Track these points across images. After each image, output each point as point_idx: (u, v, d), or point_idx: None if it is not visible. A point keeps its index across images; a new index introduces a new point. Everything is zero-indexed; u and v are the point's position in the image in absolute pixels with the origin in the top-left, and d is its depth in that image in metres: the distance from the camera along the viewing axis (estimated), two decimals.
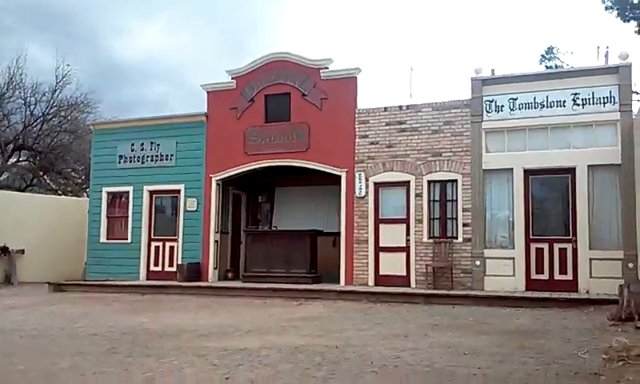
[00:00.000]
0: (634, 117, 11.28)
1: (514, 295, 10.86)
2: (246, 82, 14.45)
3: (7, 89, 22.62)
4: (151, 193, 15.34)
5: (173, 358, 6.04)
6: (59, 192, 24.42)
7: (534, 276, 11.55)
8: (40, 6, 37.93)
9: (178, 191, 14.98)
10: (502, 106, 12.17)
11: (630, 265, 10.68)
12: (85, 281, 14.98)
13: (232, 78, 14.68)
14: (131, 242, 15.23)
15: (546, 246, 11.56)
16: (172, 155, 15.13)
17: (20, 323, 8.84)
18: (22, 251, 15.75)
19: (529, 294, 10.90)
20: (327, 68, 13.78)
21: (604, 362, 5.38)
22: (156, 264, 15.08)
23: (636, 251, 10.66)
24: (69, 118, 23.79)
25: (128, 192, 15.45)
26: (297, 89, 13.94)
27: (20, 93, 22.89)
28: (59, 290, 13.94)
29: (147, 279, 14.84)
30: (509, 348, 6.37)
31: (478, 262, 11.87)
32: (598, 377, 4.85)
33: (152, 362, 5.87)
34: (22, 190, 22.63)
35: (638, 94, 14.59)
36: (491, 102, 12.27)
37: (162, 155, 15.25)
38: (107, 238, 15.57)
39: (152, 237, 15.27)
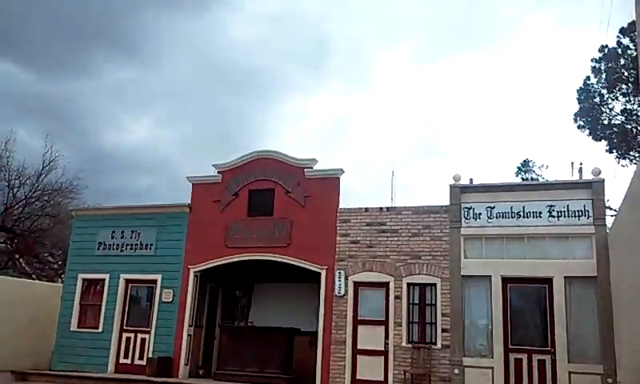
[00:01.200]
0: (607, 231, 11.57)
1: None
2: (231, 176, 14.70)
3: None
4: (127, 281, 15.06)
5: None
6: (34, 276, 23.85)
7: None
8: (30, 93, 38.98)
9: (155, 281, 14.72)
10: (480, 213, 12.44)
11: (609, 380, 10.51)
12: (50, 370, 14.29)
13: (218, 172, 14.92)
14: (102, 332, 14.73)
15: (524, 357, 11.39)
16: (152, 244, 15.02)
17: None
18: None
19: None
20: (311, 167, 14.12)
21: None
22: (126, 356, 14.50)
23: (614, 365, 10.55)
24: (52, 202, 23.73)
25: (104, 280, 15.13)
26: (281, 186, 14.18)
27: (4, 175, 22.93)
28: (22, 380, 13.29)
29: (115, 372, 14.22)
30: None
31: (456, 371, 11.61)
32: None
33: None
34: None
35: (610, 209, 15.01)
36: (469, 209, 12.54)
37: (141, 244, 15.13)
38: (78, 326, 15.05)
39: (124, 327, 14.79)
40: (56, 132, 38.48)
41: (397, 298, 12.52)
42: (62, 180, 23.81)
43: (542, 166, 25.85)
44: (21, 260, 24.19)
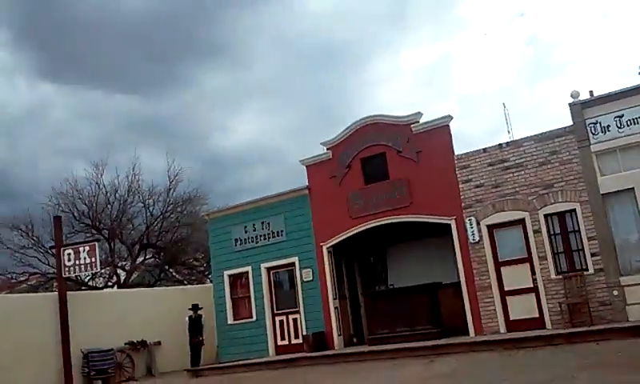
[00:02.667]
0: None
1: None
2: (340, 150, 14.89)
3: (128, 195, 24.75)
4: (268, 269, 15.90)
5: None
6: (185, 282, 25.92)
7: None
8: (142, 118, 41.71)
9: (293, 264, 15.43)
10: (608, 125, 11.64)
11: None
12: (219, 363, 15.59)
13: (327, 149, 15.19)
14: (257, 320, 15.75)
15: None
16: (282, 231, 15.70)
17: None
18: (159, 343, 16.72)
19: None
20: (418, 122, 13.92)
21: None
22: (282, 338, 15.43)
23: None
24: (185, 212, 25.49)
25: (247, 272, 16.11)
26: (391, 147, 14.14)
27: (139, 197, 24.97)
28: (198, 375, 14.59)
29: (276, 353, 15.19)
30: None
31: (615, 292, 11.11)
32: None
33: None
34: (152, 285, 24.27)
35: None
36: (595, 123, 11.78)
37: (273, 232, 15.86)
38: (234, 319, 16.20)
39: (275, 311, 15.71)
40: (172, 148, 41.04)
41: (536, 232, 12.12)
42: (189, 189, 25.50)
43: None
44: (170, 269, 26.32)
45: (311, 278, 15.08)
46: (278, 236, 15.77)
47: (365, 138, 14.58)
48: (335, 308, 14.77)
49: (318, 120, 49.37)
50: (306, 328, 14.89)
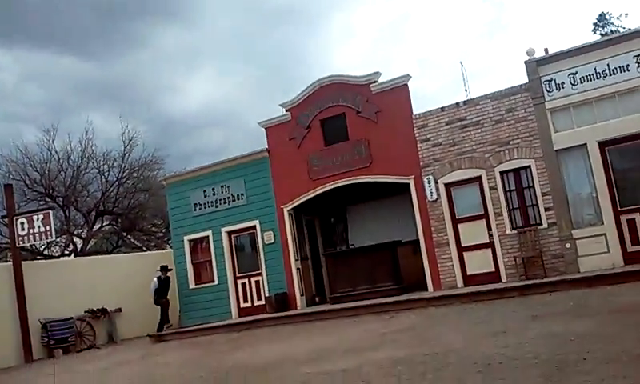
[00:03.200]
0: None
1: (612, 272, 10.40)
2: (299, 111, 14.75)
3: (82, 161, 24.06)
4: (229, 233, 15.82)
5: None
6: (143, 248, 25.60)
7: (630, 248, 11.01)
8: (94, 80, 40.36)
9: (254, 227, 15.38)
10: (563, 82, 11.82)
11: None
12: (182, 328, 15.57)
13: (286, 111, 15.02)
14: (218, 284, 15.73)
15: (637, 216, 11.03)
16: (242, 194, 15.58)
17: (131, 378, 9.30)
18: (119, 310, 16.56)
19: (629, 268, 10.41)
20: (376, 81, 13.87)
21: None
22: (245, 300, 15.50)
23: None
24: (141, 177, 24.99)
25: (208, 236, 16.01)
26: (350, 108, 14.08)
27: (93, 163, 24.33)
28: (160, 341, 14.54)
29: (239, 316, 15.26)
30: (617, 327, 6.14)
31: (568, 245, 11.48)
32: None
33: None
34: (110, 253, 23.89)
35: None
36: (550, 80, 11.95)
37: (233, 196, 15.74)
38: (195, 284, 16.15)
39: (237, 275, 15.71)
40: (126, 111, 40.03)
41: (492, 188, 12.36)
42: (145, 154, 24.97)
43: (621, 15, 23.84)
44: (129, 236, 25.92)
45: (273, 241, 15.08)
46: (238, 199, 15.65)
47: (324, 98, 14.46)
48: (297, 269, 14.86)
49: (277, 81, 48.82)
50: (269, 290, 14.96)
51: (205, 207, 16.09)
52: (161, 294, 15.69)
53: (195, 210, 16.21)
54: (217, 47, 50.84)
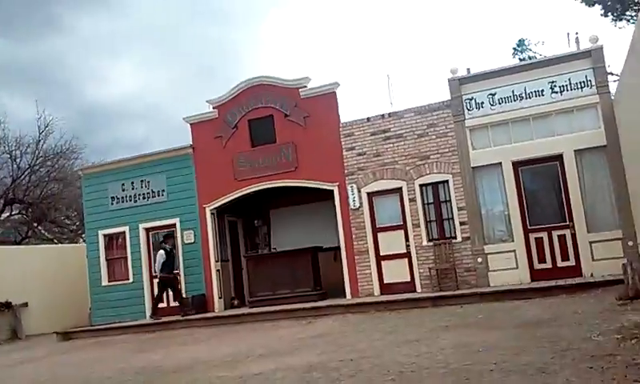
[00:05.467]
0: (612, 97, 11.50)
1: (520, 287, 10.95)
2: (227, 109, 14.57)
3: None
4: (147, 230, 15.35)
5: None
6: (55, 241, 24.35)
7: (537, 266, 11.64)
8: (10, 61, 38.10)
9: (174, 225, 15.00)
10: (482, 102, 12.35)
11: (630, 243, 10.80)
12: (92, 326, 14.92)
13: (213, 108, 14.79)
14: (133, 282, 15.21)
15: (544, 235, 11.68)
16: (163, 190, 15.17)
17: (33, 377, 8.82)
18: (26, 304, 15.68)
19: (535, 285, 11.00)
20: (305, 86, 13.94)
21: (618, 342, 5.48)
22: (161, 300, 15.04)
23: (634, 228, 10.81)
24: (56, 166, 23.77)
25: (124, 232, 15.44)
26: (278, 110, 14.07)
27: (5, 147, 22.89)
28: (67, 339, 13.89)
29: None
30: (522, 340, 6.46)
31: (479, 259, 11.98)
32: (614, 357, 4.93)
33: None
34: (18, 243, 22.55)
35: (612, 74, 14.83)
36: (471, 99, 12.45)
37: (153, 192, 15.28)
38: (109, 281, 15.53)
39: (153, 274, 15.24)
40: (43, 96, 37.95)
41: (411, 200, 12.70)
42: (61, 143, 23.76)
43: (538, 42, 25.26)
44: (39, 227, 24.58)
45: (193, 240, 14.77)
46: (158, 196, 15.23)
47: (252, 99, 14.36)
48: (217, 271, 14.63)
49: (205, 76, 48.00)
50: (186, 291, 14.61)
51: (123, 201, 15.54)
52: (170, 268, 14.30)
53: (112, 203, 15.62)
54: (144, 39, 49.40)
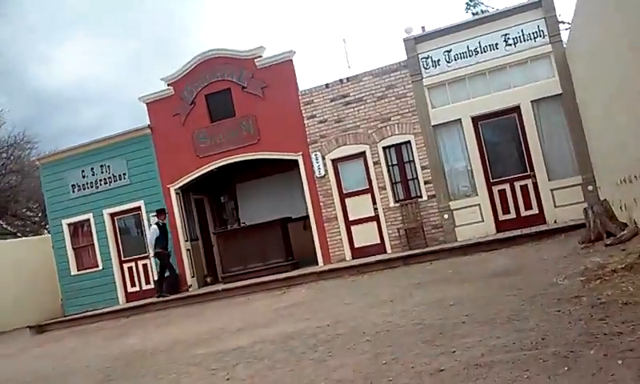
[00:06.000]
0: (565, 46, 11.70)
1: (486, 240, 11.19)
2: (182, 85, 14.29)
3: None
4: (112, 215, 15.10)
5: (170, 372, 6.09)
6: (18, 234, 23.73)
7: (501, 217, 11.92)
8: None
9: (139, 208, 14.80)
10: (438, 60, 12.41)
11: (590, 187, 11.14)
12: (65, 316, 14.71)
13: (168, 85, 14.49)
14: (103, 269, 15.01)
15: (507, 186, 11.95)
16: (124, 174, 14.90)
17: (10, 372, 8.69)
18: None
19: (500, 236, 11.25)
20: (261, 56, 13.74)
21: (583, 284, 5.68)
22: (132, 285, 14.95)
23: (592, 173, 11.14)
24: (12, 157, 23.04)
25: (88, 219, 15.17)
26: (235, 83, 13.86)
27: None
28: (41, 332, 13.70)
29: (127, 301, 14.70)
30: (492, 290, 6.65)
31: (446, 216, 12.20)
32: (579, 299, 5.12)
33: (150, 381, 5.91)
34: None
35: (564, 23, 15.07)
36: (427, 58, 12.49)
37: (114, 176, 15.00)
38: (78, 270, 15.29)
39: (122, 259, 15.08)
40: None
41: (375, 163, 12.78)
42: (15, 133, 23.01)
43: None
44: (1, 222, 23.92)
45: None
46: (120, 179, 14.95)
47: (208, 73, 14.10)
48: (187, 250, 14.54)
49: (159, 54, 46.82)
50: (159, 273, 14.46)
51: (84, 189, 15.22)
52: (163, 243, 13.84)
53: (73, 191, 15.29)
54: (91, 15, 47.69)
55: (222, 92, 14.01)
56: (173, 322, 10.56)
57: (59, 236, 15.43)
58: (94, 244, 15.16)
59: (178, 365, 6.38)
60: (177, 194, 14.53)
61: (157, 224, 13.85)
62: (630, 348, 3.49)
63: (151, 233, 13.84)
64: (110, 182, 15.02)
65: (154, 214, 14.06)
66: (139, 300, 14.29)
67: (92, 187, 15.16)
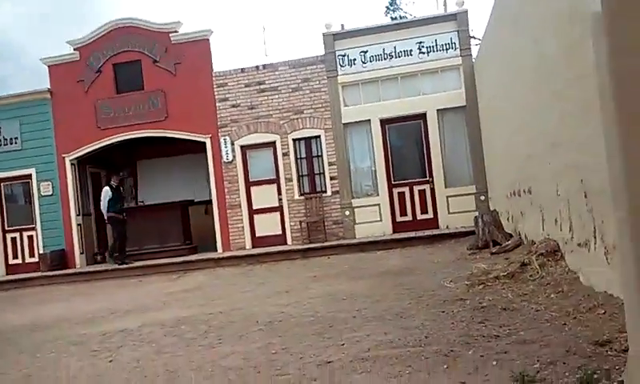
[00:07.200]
0: (473, 60, 12.28)
1: (383, 239, 11.57)
2: (90, 52, 13.56)
3: None
4: None
5: (49, 351, 5.75)
6: None
7: (399, 218, 12.34)
8: None
9: (29, 176, 13.86)
10: (355, 59, 12.61)
11: (482, 197, 11.82)
12: None
13: (74, 49, 13.68)
14: None
15: (406, 190, 12.38)
16: (16, 138, 13.90)
17: None
18: None
19: (396, 236, 11.69)
20: (177, 31, 13.33)
21: (467, 288, 5.99)
22: (15, 256, 13.99)
23: (486, 185, 11.79)
24: None
25: None
26: (147, 55, 13.35)
27: None
28: None
29: (7, 273, 13.75)
30: (384, 288, 6.86)
31: (347, 213, 12.43)
32: (463, 302, 5.40)
33: (26, 359, 5.55)
34: None
35: (475, 38, 15.83)
36: (344, 56, 12.65)
37: (4, 139, 13.96)
38: None
39: (6, 228, 14.06)
40: None
41: (284, 154, 12.78)
42: None
43: (410, 2, 26.18)
44: None
45: (51, 192, 13.78)
46: (11, 143, 13.95)
47: (118, 41, 13.47)
48: (78, 225, 13.80)
49: (69, 15, 43.96)
50: (44, 246, 13.68)
51: None
52: (117, 207, 12.85)
53: None
54: None
55: (132, 63, 13.45)
56: (57, 299, 10.01)
57: None
58: None
59: (58, 343, 6.03)
60: (72, 164, 13.76)
61: (109, 186, 12.97)
62: (505, 350, 3.71)
63: (103, 195, 12.85)
64: (0, 145, 13.95)
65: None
66: (21, 273, 13.39)
67: None
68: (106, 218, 13.03)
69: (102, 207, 12.96)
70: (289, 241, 12.68)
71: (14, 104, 13.92)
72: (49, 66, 13.82)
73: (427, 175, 12.28)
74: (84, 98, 13.51)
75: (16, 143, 13.91)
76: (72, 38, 13.74)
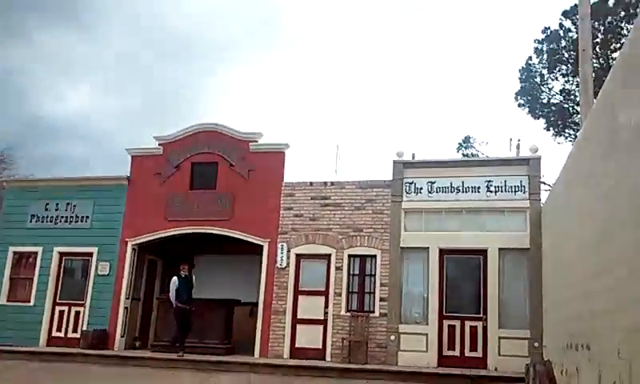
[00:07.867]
0: (541, 205, 12.00)
1: (426, 371, 10.79)
2: (173, 148, 14.42)
3: None
4: (61, 254, 14.58)
5: None
6: None
7: (445, 352, 11.58)
8: None
9: (91, 254, 14.31)
10: (421, 188, 12.66)
11: (536, 344, 10.93)
12: None
13: (159, 144, 14.62)
14: (34, 305, 14.24)
15: (457, 324, 11.71)
16: (87, 217, 14.59)
17: None
18: None
19: (440, 370, 10.90)
20: (257, 141, 14.02)
21: None
22: (59, 329, 14.07)
23: (541, 331, 10.97)
24: None
25: (37, 253, 14.62)
26: (225, 159, 14.00)
27: None
28: None
29: (47, 345, 13.78)
30: None
31: (392, 337, 11.83)
32: None
33: None
34: None
35: (545, 184, 15.63)
36: (411, 183, 12.75)
37: (77, 217, 14.67)
38: (8, 300, 14.50)
39: (57, 300, 14.33)
40: None
41: (338, 268, 12.60)
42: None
43: (483, 142, 26.66)
44: None
45: (107, 273, 14.11)
46: (81, 221, 14.64)
47: (201, 143, 14.28)
48: (125, 308, 13.88)
49: (157, 113, 47.92)
50: (88, 323, 13.77)
51: (42, 221, 14.85)
52: (182, 297, 12.57)
53: (31, 221, 14.91)
54: (105, 64, 49.31)
55: (209, 164, 14.10)
56: (86, 380, 9.79)
57: (1, 262, 14.77)
58: (33, 278, 14.53)
59: None
60: (133, 249, 14.14)
61: (177, 275, 12.78)
62: None
63: (171, 285, 12.68)
64: (71, 222, 14.68)
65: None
66: (61, 347, 13.37)
67: (51, 222, 14.81)
68: (173, 306, 12.71)
69: (170, 296, 12.70)
70: (328, 357, 12.08)
71: (93, 185, 14.81)
72: (132, 156, 14.76)
73: (481, 312, 11.61)
74: (158, 189, 14.17)
75: (86, 222, 14.57)
76: (158, 134, 14.74)
